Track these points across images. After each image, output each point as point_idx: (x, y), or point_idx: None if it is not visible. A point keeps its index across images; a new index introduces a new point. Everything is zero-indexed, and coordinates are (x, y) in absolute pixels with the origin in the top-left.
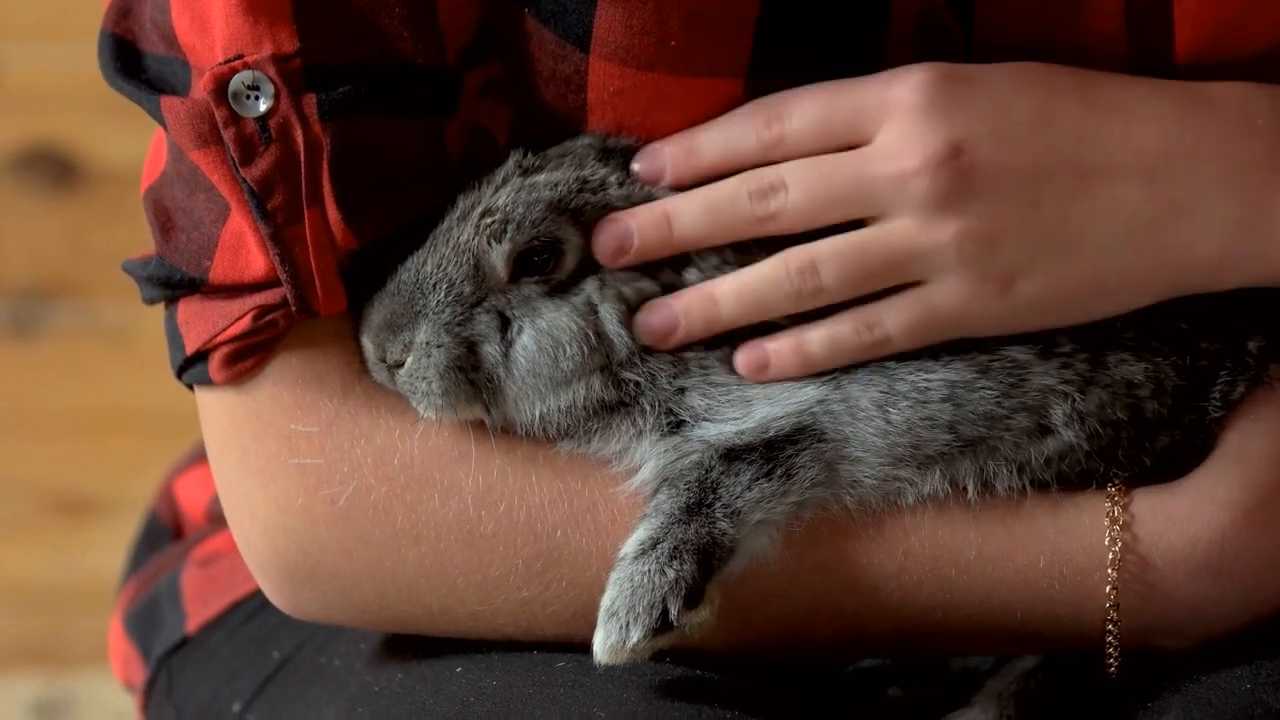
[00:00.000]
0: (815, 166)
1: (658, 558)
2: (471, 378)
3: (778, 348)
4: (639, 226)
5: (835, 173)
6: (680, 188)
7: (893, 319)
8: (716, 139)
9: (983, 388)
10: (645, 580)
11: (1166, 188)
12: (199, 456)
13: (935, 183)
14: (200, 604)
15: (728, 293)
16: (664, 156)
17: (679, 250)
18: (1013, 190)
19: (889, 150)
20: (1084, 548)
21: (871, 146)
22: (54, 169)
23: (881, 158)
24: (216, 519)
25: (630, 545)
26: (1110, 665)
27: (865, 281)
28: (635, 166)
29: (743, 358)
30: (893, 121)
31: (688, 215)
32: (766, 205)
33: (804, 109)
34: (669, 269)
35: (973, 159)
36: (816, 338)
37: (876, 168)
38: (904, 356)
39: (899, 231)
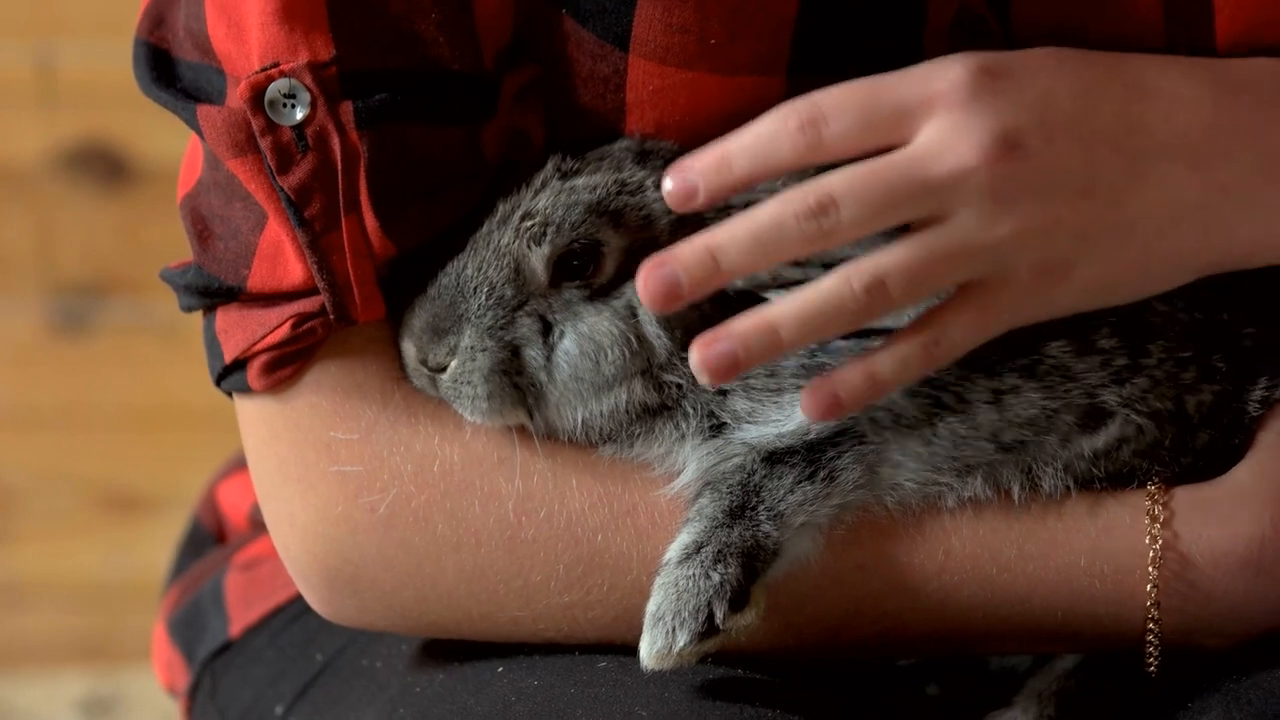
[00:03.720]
0: (865, 176)
1: (702, 562)
2: (515, 381)
3: (847, 383)
4: (684, 269)
5: (887, 179)
6: (715, 204)
7: (955, 327)
8: (749, 149)
9: (1028, 391)
10: (690, 585)
11: (1210, 169)
12: (241, 463)
13: (993, 177)
14: (243, 608)
15: (788, 318)
16: (694, 174)
17: (733, 280)
18: (1067, 179)
19: (939, 148)
20: (1124, 546)
21: (917, 145)
22: (107, 166)
23: (934, 156)
24: (259, 524)
25: (674, 550)
26: (1151, 664)
27: (931, 288)
28: (665, 186)
29: (812, 403)
30: (937, 117)
31: (733, 248)
32: (818, 225)
33: (841, 110)
34: None
35: (1026, 151)
36: (885, 363)
37: (930, 168)
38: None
39: (961, 231)
